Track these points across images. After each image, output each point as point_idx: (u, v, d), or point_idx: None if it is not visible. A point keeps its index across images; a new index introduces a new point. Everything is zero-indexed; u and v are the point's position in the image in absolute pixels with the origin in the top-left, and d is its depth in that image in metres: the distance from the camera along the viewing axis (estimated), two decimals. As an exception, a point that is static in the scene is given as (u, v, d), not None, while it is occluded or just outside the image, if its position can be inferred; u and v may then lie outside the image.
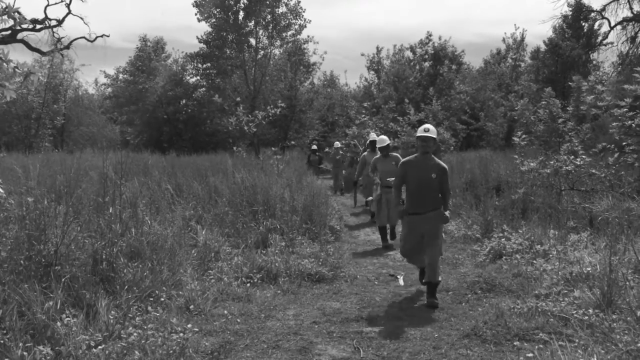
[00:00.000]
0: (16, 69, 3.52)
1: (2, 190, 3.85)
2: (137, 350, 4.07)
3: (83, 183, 8.21)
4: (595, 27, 30.19)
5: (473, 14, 74.73)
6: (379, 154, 9.77)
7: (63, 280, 4.58)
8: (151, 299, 5.12)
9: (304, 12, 32.71)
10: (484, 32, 75.94)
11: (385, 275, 7.20)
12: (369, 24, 77.88)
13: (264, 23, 32.53)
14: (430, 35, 33.80)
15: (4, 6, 3.57)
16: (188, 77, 33.99)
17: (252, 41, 32.92)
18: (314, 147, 22.17)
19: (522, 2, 71.99)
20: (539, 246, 7.29)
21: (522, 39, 37.29)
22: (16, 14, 3.62)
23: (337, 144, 18.44)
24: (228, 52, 32.82)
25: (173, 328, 4.56)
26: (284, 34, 33.03)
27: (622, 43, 26.71)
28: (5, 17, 3.61)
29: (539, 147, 15.47)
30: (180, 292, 5.50)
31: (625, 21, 26.48)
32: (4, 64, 3.50)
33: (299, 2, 32.56)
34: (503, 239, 7.95)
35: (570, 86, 19.45)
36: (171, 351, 4.15)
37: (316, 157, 21.32)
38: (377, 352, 4.46)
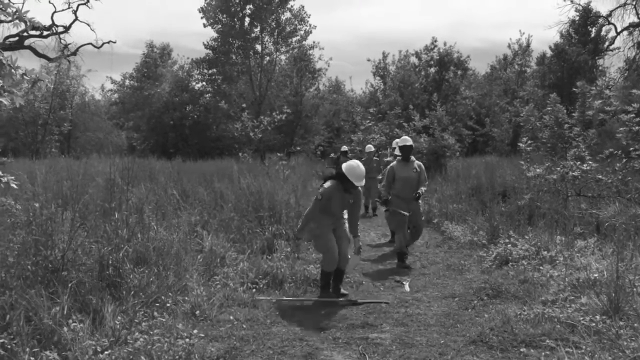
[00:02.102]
0: (24, 76, 3.55)
1: (14, 186, 3.87)
2: (143, 355, 4.08)
3: (90, 189, 8.25)
4: (602, 33, 30.21)
5: (476, 19, 74.74)
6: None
7: (70, 285, 4.59)
8: (157, 304, 5.13)
9: (308, 17, 32.87)
10: (488, 37, 75.91)
11: (391, 281, 7.18)
12: (372, 28, 77.97)
13: (269, 29, 32.68)
14: (436, 41, 33.92)
15: (14, 10, 3.59)
16: (194, 83, 34.17)
17: (258, 47, 33.08)
18: (344, 148, 17.87)
19: (526, 6, 72.03)
20: (545, 252, 7.26)
21: (528, 44, 37.33)
22: (26, 16, 3.65)
23: (371, 147, 14.82)
24: (234, 58, 32.97)
25: (179, 333, 4.56)
26: (289, 40, 33.17)
27: (629, 49, 26.74)
28: (16, 20, 3.64)
29: (545, 152, 15.44)
30: (186, 298, 5.50)
31: (631, 27, 26.50)
32: (12, 70, 3.52)
33: (302, 7, 32.74)
34: (509, 245, 7.92)
35: (576, 92, 19.45)
36: (177, 357, 4.15)
37: (347, 160, 17.55)
38: (383, 358, 4.45)
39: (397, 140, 13.63)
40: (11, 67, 3.47)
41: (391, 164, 8.54)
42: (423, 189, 8.25)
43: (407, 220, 8.15)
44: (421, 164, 8.55)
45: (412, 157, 8.48)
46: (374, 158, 14.25)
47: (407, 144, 8.42)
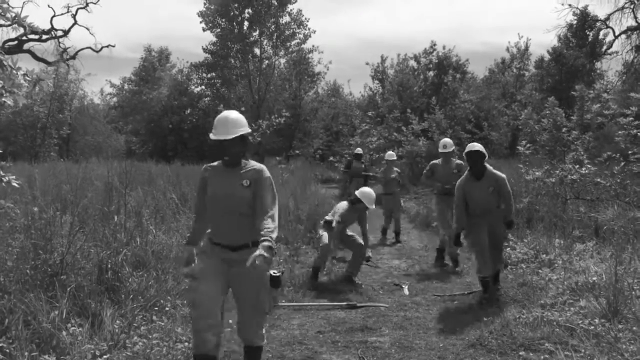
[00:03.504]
0: (25, 76, 3.56)
1: (16, 185, 3.88)
2: (142, 359, 4.08)
3: (88, 192, 8.25)
4: (600, 36, 30.31)
5: (477, 23, 74.97)
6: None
7: (68, 289, 4.59)
8: (156, 308, 5.13)
9: (307, 21, 32.95)
10: (488, 40, 76.10)
11: (390, 285, 7.18)
12: (371, 32, 78.20)
13: (268, 33, 32.74)
14: (435, 44, 33.87)
15: (13, 15, 3.61)
16: (193, 87, 34.22)
17: (257, 51, 33.14)
18: (359, 150, 15.44)
19: (526, 11, 72.25)
20: (544, 255, 7.27)
21: (526, 48, 37.27)
22: (25, 21, 3.66)
23: (392, 154, 11.67)
24: (233, 61, 33.03)
25: (178, 337, 4.56)
26: (288, 44, 33.24)
27: (627, 52, 26.81)
28: (15, 25, 3.66)
29: (544, 156, 15.45)
30: (185, 302, 5.50)
31: (629, 30, 26.57)
32: (14, 71, 3.54)
33: (300, 10, 32.83)
34: (508, 248, 7.93)
35: (574, 95, 19.48)
36: (176, 361, 4.15)
37: (361, 164, 14.42)
38: (382, 362, 4.45)
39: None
40: (12, 68, 3.48)
41: (459, 183, 6.40)
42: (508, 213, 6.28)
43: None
44: (499, 177, 6.34)
45: (487, 167, 6.32)
46: (395, 169, 11.32)
47: (473, 150, 6.25)
